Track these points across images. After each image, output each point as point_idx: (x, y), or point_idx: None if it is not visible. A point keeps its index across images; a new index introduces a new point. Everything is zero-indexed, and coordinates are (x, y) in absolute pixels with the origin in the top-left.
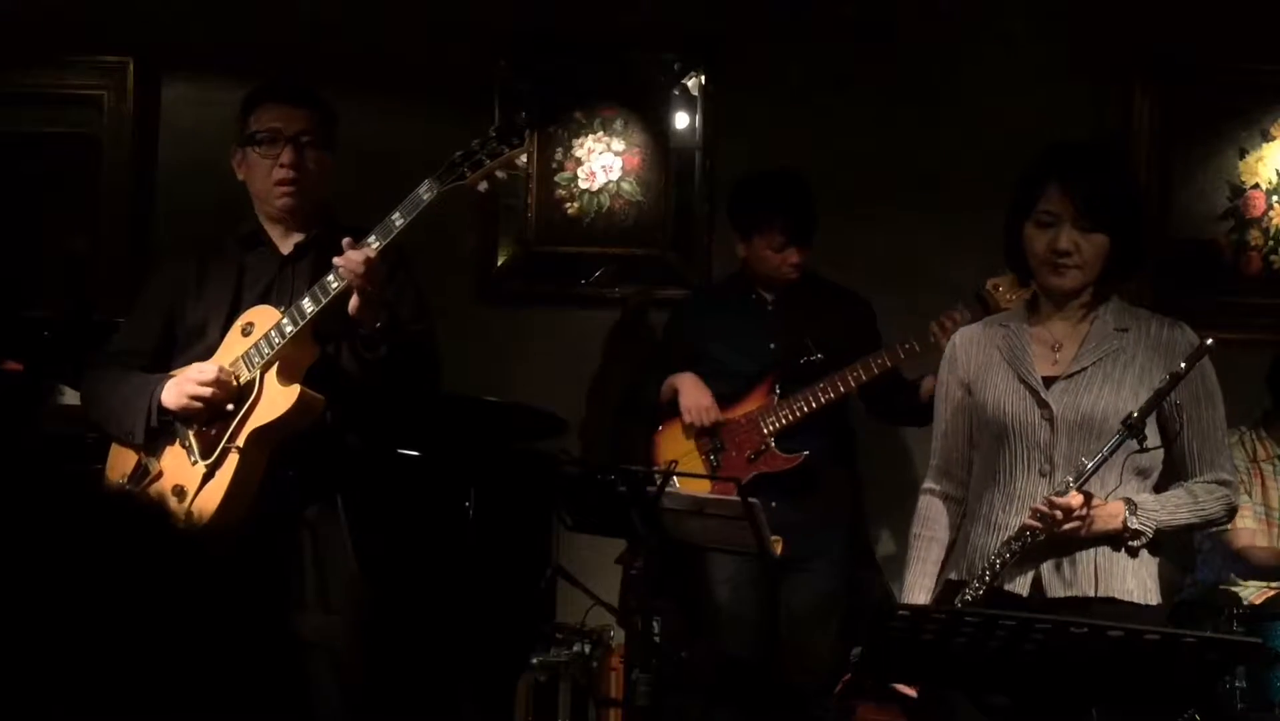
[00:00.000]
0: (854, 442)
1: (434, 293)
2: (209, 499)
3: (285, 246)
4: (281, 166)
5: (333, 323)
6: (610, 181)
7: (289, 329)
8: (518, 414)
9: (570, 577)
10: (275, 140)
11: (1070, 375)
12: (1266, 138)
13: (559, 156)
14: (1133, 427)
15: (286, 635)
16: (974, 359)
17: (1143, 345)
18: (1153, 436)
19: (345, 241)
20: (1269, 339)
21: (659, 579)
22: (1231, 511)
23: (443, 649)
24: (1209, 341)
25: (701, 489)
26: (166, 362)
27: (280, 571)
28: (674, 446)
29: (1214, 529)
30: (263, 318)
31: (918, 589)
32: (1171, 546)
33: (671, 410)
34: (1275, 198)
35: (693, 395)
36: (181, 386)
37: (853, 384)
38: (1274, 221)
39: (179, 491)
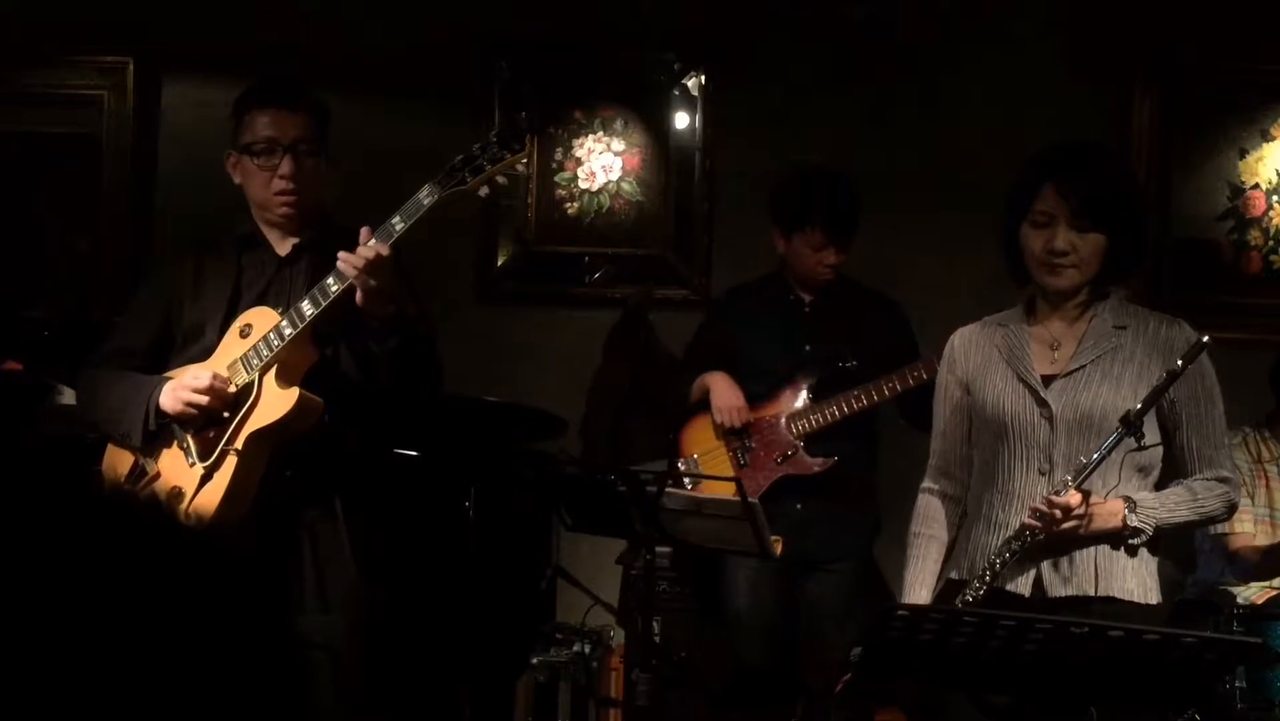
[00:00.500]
0: (877, 445)
1: (434, 293)
2: (207, 500)
3: (282, 248)
4: (281, 178)
5: (332, 325)
6: (610, 181)
7: (288, 331)
8: (518, 414)
9: (570, 578)
10: (272, 151)
11: (1069, 373)
12: (1266, 138)
13: (559, 156)
14: (1131, 425)
15: (286, 635)
16: (973, 358)
17: (1141, 343)
18: (1152, 434)
19: (363, 232)
20: (1269, 339)
21: (682, 577)
22: (1232, 508)
23: (443, 649)
24: (1205, 338)
25: (726, 491)
26: (163, 363)
27: (280, 572)
28: (701, 442)
29: (1214, 526)
30: (261, 319)
31: (917, 588)
32: (1172, 546)
33: (700, 404)
34: (1275, 198)
35: (725, 395)
36: (177, 392)
37: (887, 394)
38: (1274, 221)
39: (177, 493)
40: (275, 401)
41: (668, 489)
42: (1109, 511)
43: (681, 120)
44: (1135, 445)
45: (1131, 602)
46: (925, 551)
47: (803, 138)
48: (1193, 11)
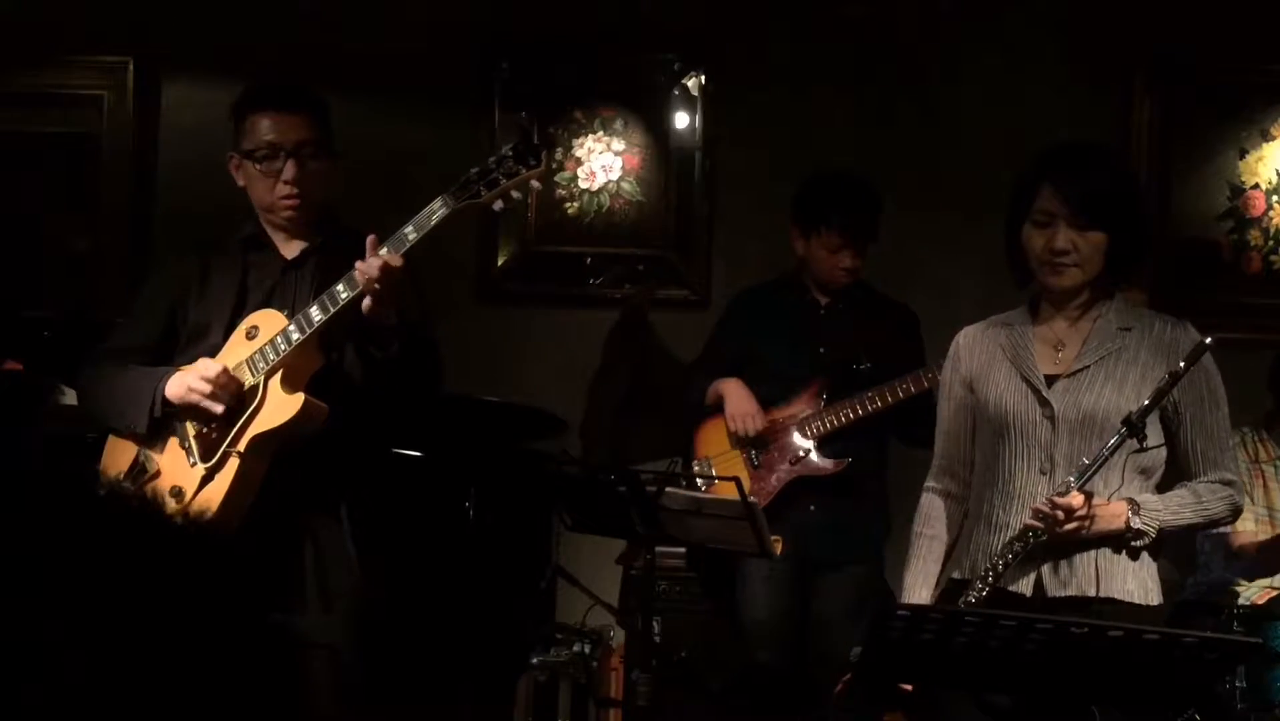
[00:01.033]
0: (888, 448)
1: (434, 293)
2: (207, 501)
3: (288, 250)
4: (285, 183)
5: (337, 329)
6: (610, 181)
7: (295, 336)
8: (518, 414)
9: (570, 577)
10: (275, 155)
11: (1072, 374)
12: (1266, 138)
13: (559, 156)
14: (1133, 426)
15: (286, 635)
16: (977, 357)
17: (1145, 344)
18: (1155, 435)
19: (370, 240)
20: (1269, 339)
21: (695, 578)
22: (1236, 511)
23: (443, 649)
24: (1208, 340)
25: (730, 492)
26: (167, 361)
27: (280, 572)
28: (715, 444)
29: (1218, 530)
30: (268, 322)
31: (918, 587)
32: (1172, 547)
33: (715, 407)
34: (1275, 198)
35: (740, 403)
36: (185, 379)
37: (901, 396)
38: (1274, 221)
39: (177, 492)
40: (280, 405)
41: (668, 489)
42: (1112, 513)
43: (681, 120)
44: (1137, 446)
45: (1132, 604)
46: (926, 551)
47: (802, 138)
48: (1193, 12)
